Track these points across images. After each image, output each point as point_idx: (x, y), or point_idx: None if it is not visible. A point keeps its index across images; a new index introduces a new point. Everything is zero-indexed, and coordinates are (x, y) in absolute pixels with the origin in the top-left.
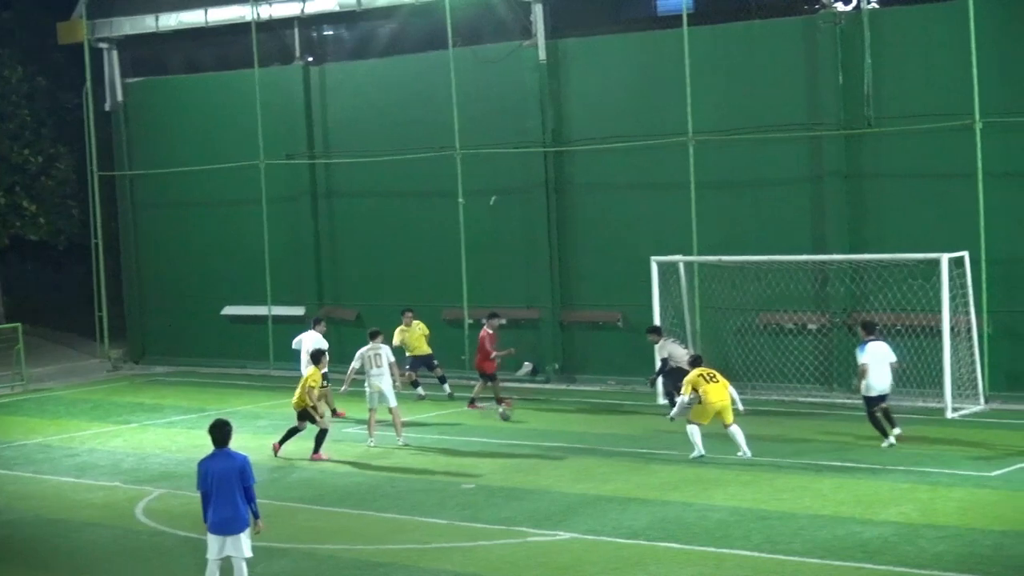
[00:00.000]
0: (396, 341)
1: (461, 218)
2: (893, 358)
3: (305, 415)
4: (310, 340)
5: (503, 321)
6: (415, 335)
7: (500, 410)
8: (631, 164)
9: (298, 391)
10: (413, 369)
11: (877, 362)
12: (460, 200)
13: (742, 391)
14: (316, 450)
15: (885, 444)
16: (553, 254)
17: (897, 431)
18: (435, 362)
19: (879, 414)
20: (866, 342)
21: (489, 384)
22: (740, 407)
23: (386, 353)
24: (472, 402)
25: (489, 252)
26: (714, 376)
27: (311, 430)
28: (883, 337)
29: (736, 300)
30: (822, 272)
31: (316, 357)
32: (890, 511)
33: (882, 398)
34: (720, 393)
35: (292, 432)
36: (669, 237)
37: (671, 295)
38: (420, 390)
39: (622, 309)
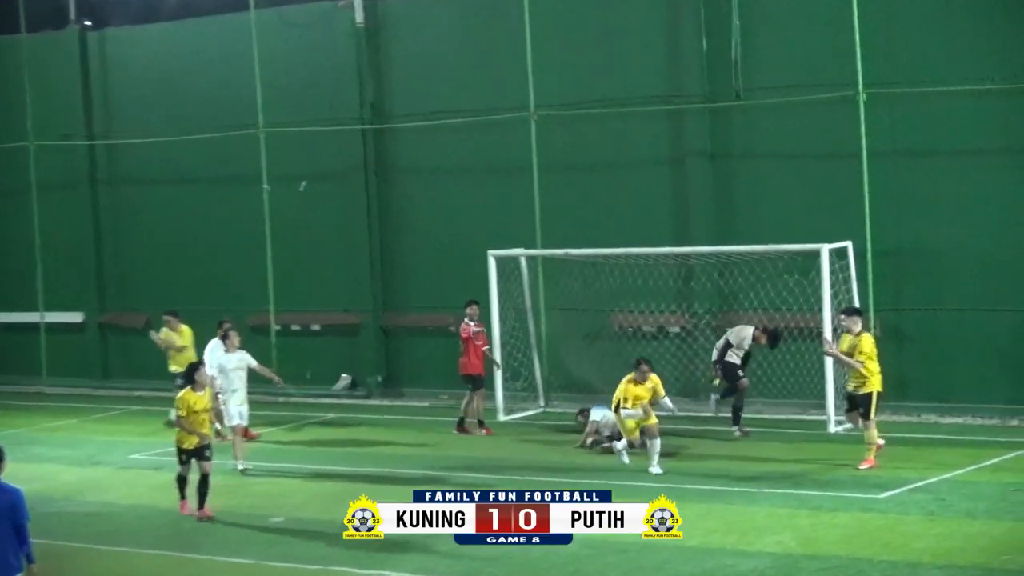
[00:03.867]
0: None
1: (266, 208)
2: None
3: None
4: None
5: (471, 311)
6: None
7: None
8: (464, 144)
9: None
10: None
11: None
12: (265, 186)
13: (596, 404)
14: (200, 504)
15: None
16: (374, 249)
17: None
18: None
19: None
20: None
21: (473, 393)
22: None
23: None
24: (480, 424)
25: (299, 247)
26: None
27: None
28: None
29: (587, 300)
30: (685, 267)
31: (193, 369)
32: (766, 540)
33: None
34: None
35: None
36: (509, 228)
37: (512, 295)
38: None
39: (455, 312)
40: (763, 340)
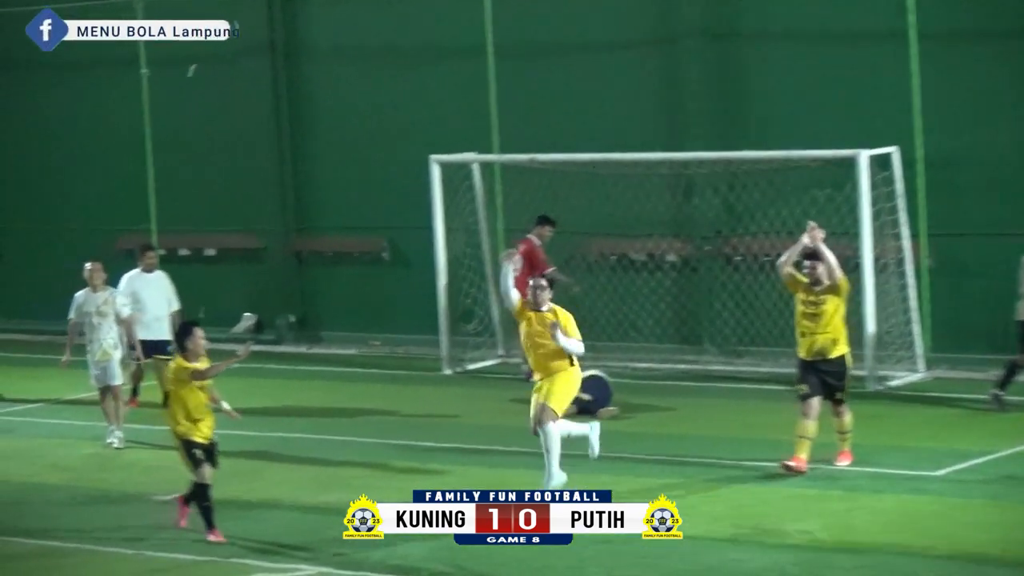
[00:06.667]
0: None
1: (145, 98)
2: None
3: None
4: (152, 290)
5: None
6: None
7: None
8: (401, 18)
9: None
10: None
11: None
12: (143, 71)
13: None
14: (208, 525)
15: None
16: (284, 153)
17: None
18: None
19: None
20: None
21: None
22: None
23: (122, 298)
24: None
25: (188, 149)
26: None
27: None
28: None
29: (559, 219)
30: (684, 178)
31: (184, 332)
32: (788, 529)
33: None
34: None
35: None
36: (458, 127)
37: (461, 212)
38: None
39: (388, 233)
40: None
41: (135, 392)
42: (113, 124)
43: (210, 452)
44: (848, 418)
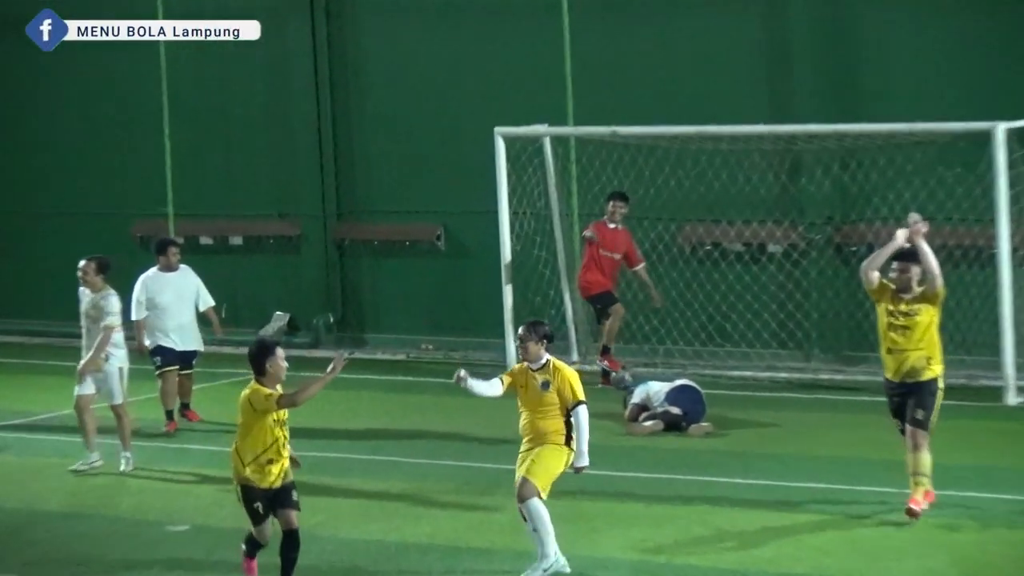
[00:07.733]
0: None
1: (163, 63)
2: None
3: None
4: (173, 292)
5: (624, 209)
6: None
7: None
8: None
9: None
10: None
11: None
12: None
13: (657, 358)
14: (249, 556)
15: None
16: (324, 126)
17: None
18: None
19: None
20: None
21: (603, 320)
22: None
23: (110, 305)
24: (604, 352)
25: (211, 125)
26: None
27: None
28: None
29: (644, 203)
30: (791, 155)
31: (264, 352)
32: (910, 565)
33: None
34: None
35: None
36: (525, 95)
37: (529, 194)
38: None
39: (444, 219)
40: None
41: (188, 406)
42: (127, 96)
43: (282, 497)
44: (927, 459)
